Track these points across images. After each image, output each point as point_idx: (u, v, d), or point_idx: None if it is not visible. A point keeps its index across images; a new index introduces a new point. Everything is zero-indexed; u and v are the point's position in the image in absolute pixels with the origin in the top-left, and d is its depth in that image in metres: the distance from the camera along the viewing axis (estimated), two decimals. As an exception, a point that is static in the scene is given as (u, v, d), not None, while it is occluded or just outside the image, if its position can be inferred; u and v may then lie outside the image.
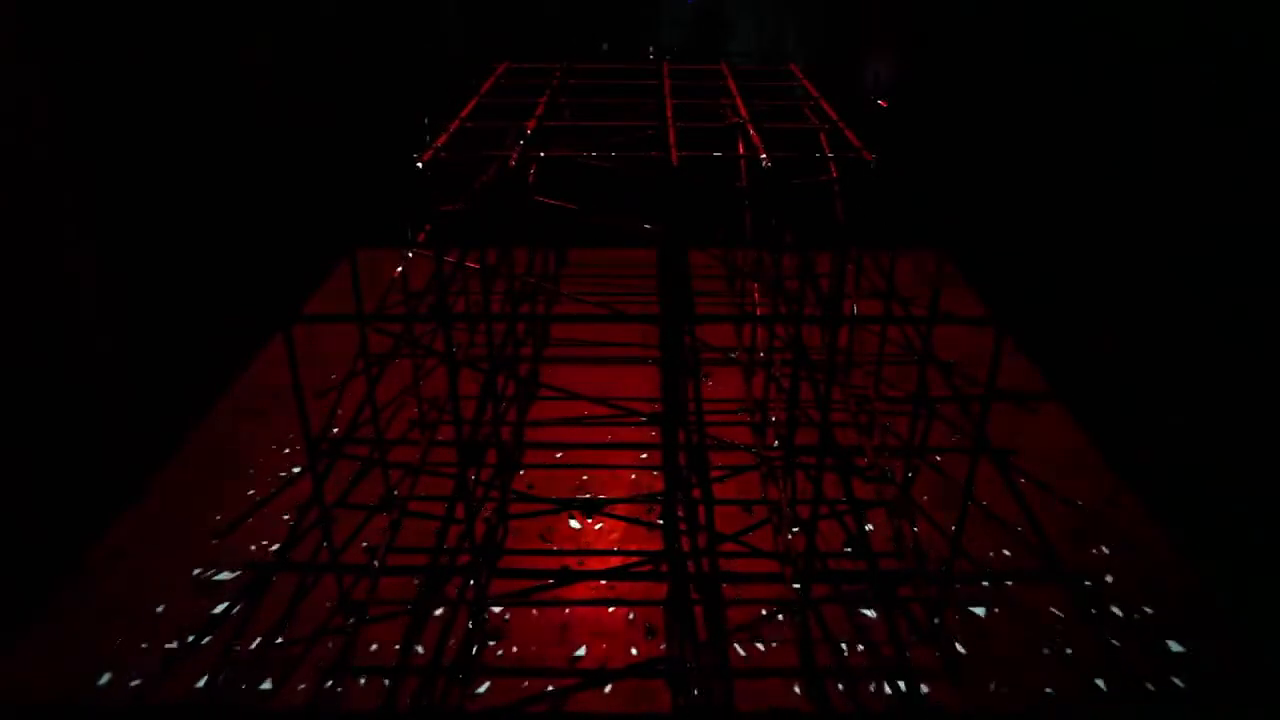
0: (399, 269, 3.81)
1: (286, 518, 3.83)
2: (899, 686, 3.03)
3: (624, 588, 3.49)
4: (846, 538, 3.73)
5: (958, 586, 3.45)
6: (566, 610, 3.37)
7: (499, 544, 3.70)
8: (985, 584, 3.48)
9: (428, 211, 3.65)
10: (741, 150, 3.42)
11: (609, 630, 3.27)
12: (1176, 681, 3.05)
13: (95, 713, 2.94)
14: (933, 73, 6.72)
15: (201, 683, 3.02)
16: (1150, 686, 3.03)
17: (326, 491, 3.28)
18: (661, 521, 3.83)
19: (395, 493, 3.87)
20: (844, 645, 3.20)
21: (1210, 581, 3.47)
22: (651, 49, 7.46)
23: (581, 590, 3.47)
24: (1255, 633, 3.23)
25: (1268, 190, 3.59)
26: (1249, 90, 3.71)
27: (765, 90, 4.23)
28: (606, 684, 3.05)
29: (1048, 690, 3.02)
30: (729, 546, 3.68)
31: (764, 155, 3.10)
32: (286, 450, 4.28)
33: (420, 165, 3.02)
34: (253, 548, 3.66)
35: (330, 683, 3.02)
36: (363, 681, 3.04)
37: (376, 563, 3.47)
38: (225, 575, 3.51)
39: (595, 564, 3.61)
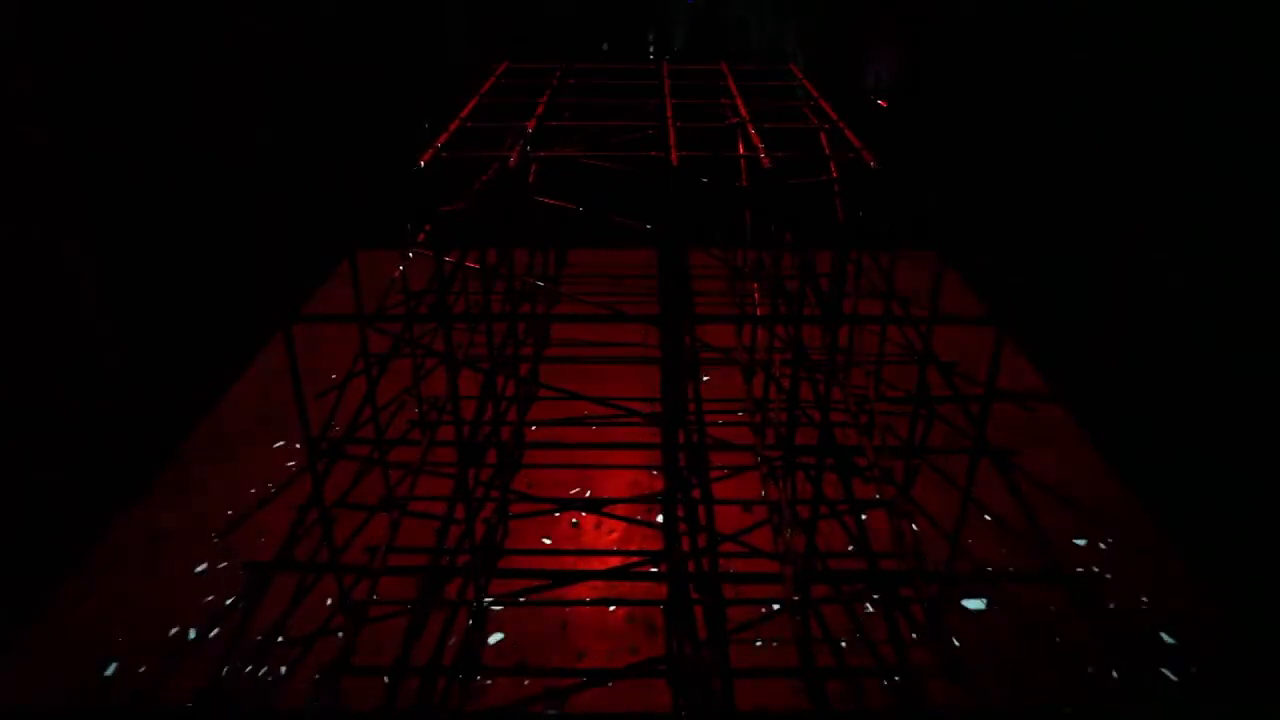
0: (399, 269, 3.81)
1: (287, 518, 3.82)
2: (899, 686, 3.04)
3: (624, 588, 3.49)
4: (847, 538, 3.74)
5: (958, 586, 3.45)
6: (566, 610, 3.37)
7: (499, 544, 3.70)
8: (985, 584, 3.48)
9: (428, 211, 3.65)
10: (741, 150, 3.42)
11: (609, 630, 3.28)
12: (1175, 680, 3.05)
13: (96, 712, 2.94)
14: (932, 73, 6.72)
15: (202, 682, 3.02)
16: (1149, 686, 3.03)
17: (326, 491, 3.28)
18: (661, 521, 3.83)
19: (395, 493, 3.87)
20: (844, 645, 3.20)
21: (1210, 581, 3.47)
22: (652, 49, 7.46)
23: (581, 590, 3.47)
24: (1254, 632, 3.23)
25: (1268, 190, 3.59)
26: (1250, 91, 3.71)
27: (765, 90, 4.23)
28: (607, 683, 3.05)
29: (1048, 690, 3.02)
30: (729, 546, 3.68)
31: (764, 155, 3.10)
32: (286, 450, 4.28)
33: (420, 165, 3.02)
34: (253, 548, 3.66)
35: (330, 683, 3.02)
36: (363, 681, 3.04)
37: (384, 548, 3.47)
38: (225, 575, 3.51)
39: (595, 564, 3.61)
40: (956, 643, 3.20)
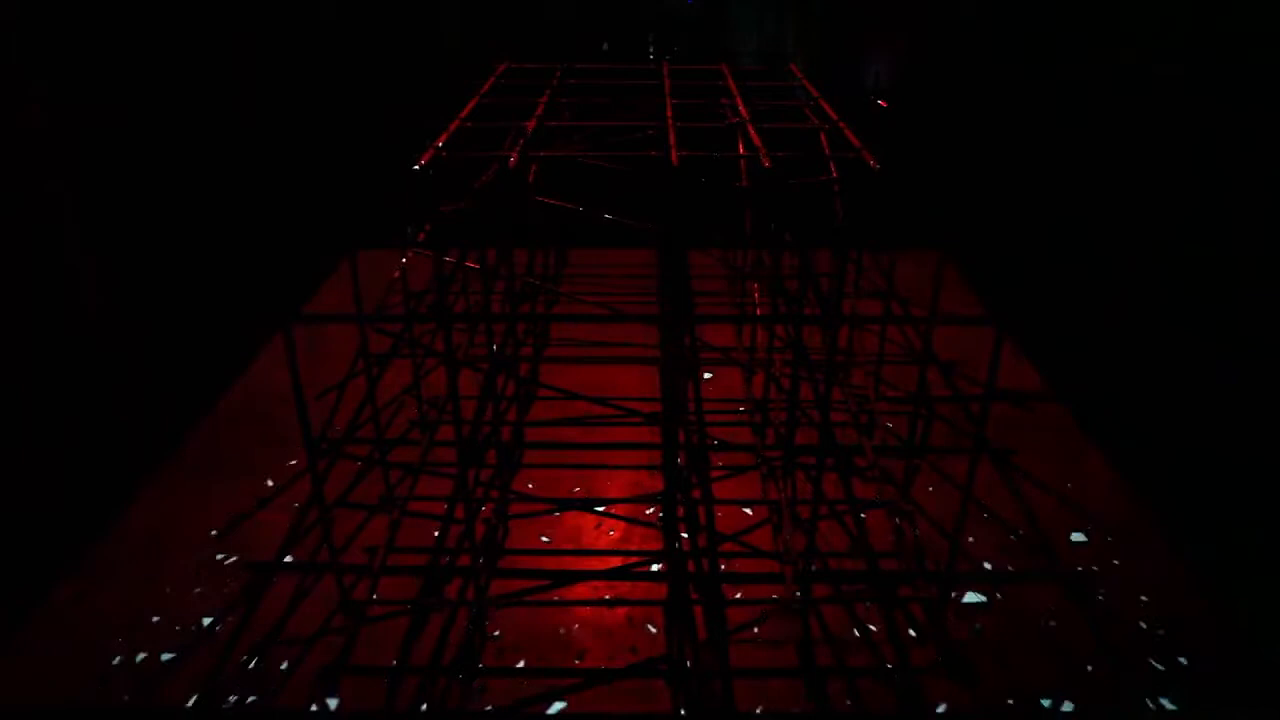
0: (399, 269, 3.81)
1: (287, 518, 3.82)
2: (899, 686, 3.03)
3: (624, 588, 3.49)
4: (847, 538, 3.73)
5: (958, 587, 3.45)
6: (566, 610, 3.37)
7: (499, 544, 3.70)
8: (985, 584, 3.48)
9: (428, 211, 3.65)
10: (741, 150, 3.42)
11: (609, 630, 3.28)
12: (1175, 681, 3.05)
13: (96, 713, 2.94)
14: (933, 73, 6.72)
15: (202, 683, 3.02)
16: (1149, 686, 3.03)
17: (326, 491, 3.28)
18: (661, 521, 3.83)
19: (395, 493, 3.87)
20: (844, 645, 3.20)
21: (1210, 581, 3.47)
22: (652, 49, 7.46)
23: (581, 590, 3.47)
24: (1255, 632, 3.23)
25: (1268, 190, 3.59)
26: (1250, 91, 3.71)
27: (765, 90, 4.22)
28: (607, 684, 3.05)
29: (1047, 690, 3.02)
30: (729, 546, 3.68)
31: (764, 155, 3.10)
32: (287, 450, 4.28)
33: (420, 165, 3.02)
34: (253, 548, 3.66)
35: (330, 683, 3.02)
36: (363, 681, 3.04)
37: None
38: (225, 575, 3.51)
39: (595, 564, 3.61)
40: (956, 643, 3.20)
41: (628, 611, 3.36)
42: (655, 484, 4.07)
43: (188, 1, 4.93)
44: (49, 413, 3.84)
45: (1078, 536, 3.73)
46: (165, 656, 3.13)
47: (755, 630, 3.26)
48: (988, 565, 3.58)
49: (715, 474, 4.13)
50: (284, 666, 3.09)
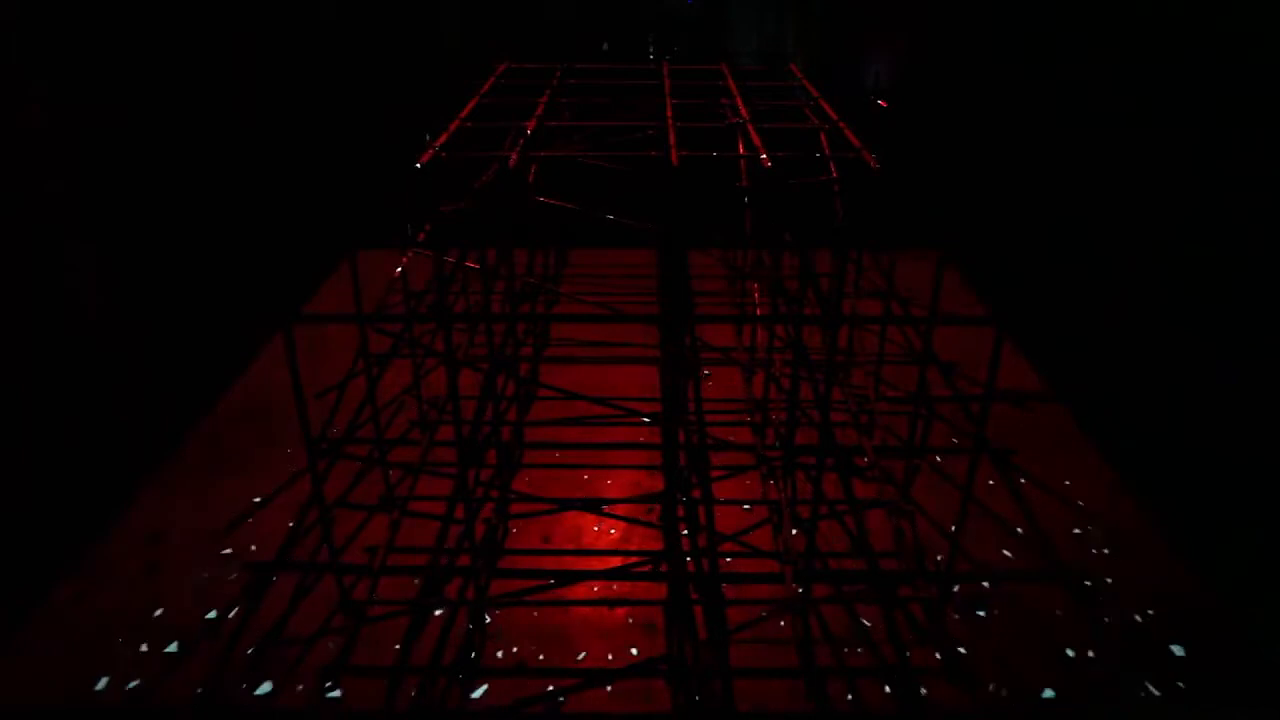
0: (399, 269, 3.81)
1: (287, 518, 3.82)
2: (899, 686, 3.03)
3: (624, 588, 3.49)
4: (847, 538, 3.73)
5: (958, 587, 3.45)
6: (566, 610, 3.37)
7: (499, 544, 3.70)
8: (985, 584, 3.48)
9: (428, 211, 3.65)
10: (741, 150, 3.42)
11: (609, 630, 3.27)
12: (1176, 681, 3.05)
13: (96, 713, 2.94)
14: (933, 73, 6.72)
15: (202, 682, 3.02)
16: (1150, 686, 3.03)
17: (326, 491, 3.28)
18: (661, 521, 3.83)
19: (395, 493, 3.87)
20: (844, 645, 3.20)
21: (1210, 581, 3.47)
22: (652, 49, 7.46)
23: (581, 590, 3.47)
24: (1255, 633, 3.23)
25: (1269, 190, 3.58)
26: (1250, 91, 3.71)
27: (765, 90, 4.22)
28: (606, 684, 3.05)
29: (1048, 690, 3.02)
30: (729, 546, 3.68)
31: (764, 155, 3.10)
32: (287, 450, 4.28)
33: (420, 165, 3.02)
34: (253, 548, 3.66)
35: (330, 683, 3.02)
36: (363, 681, 3.04)
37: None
38: (225, 575, 3.51)
39: (595, 564, 3.61)
40: (956, 643, 3.20)
41: (628, 611, 3.36)
42: (655, 484, 4.07)
43: (188, 1, 4.93)
44: (49, 413, 3.84)
45: (1077, 536, 3.73)
46: (165, 656, 3.13)
47: (755, 630, 3.26)
48: (988, 566, 3.57)
49: (715, 474, 4.13)
50: (284, 667, 3.08)
